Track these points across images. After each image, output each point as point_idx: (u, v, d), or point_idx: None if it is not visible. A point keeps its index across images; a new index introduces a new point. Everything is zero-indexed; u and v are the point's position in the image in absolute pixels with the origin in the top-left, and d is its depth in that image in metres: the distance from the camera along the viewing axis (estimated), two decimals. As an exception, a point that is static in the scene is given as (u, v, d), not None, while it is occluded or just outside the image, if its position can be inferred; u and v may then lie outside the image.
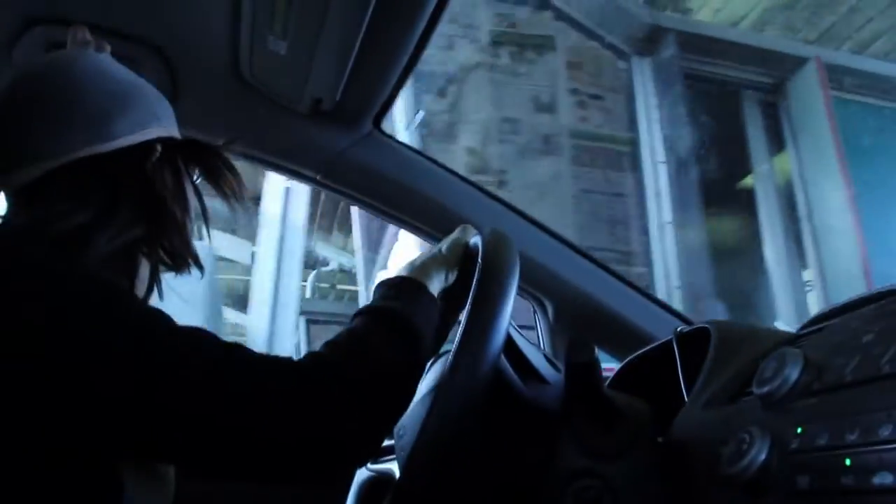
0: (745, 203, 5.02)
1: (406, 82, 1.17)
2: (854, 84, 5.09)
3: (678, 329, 0.87)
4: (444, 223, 1.32)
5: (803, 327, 0.69)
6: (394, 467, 0.87)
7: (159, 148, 0.81)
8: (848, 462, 0.42)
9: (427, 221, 1.34)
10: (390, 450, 0.88)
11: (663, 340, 0.90)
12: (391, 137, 1.31)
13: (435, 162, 1.34)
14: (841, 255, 4.57)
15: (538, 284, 1.36)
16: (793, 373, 0.52)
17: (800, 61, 5.01)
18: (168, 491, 0.73)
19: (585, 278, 1.36)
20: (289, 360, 0.66)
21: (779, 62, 5.02)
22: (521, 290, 1.38)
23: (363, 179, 1.30)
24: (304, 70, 1.08)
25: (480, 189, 1.36)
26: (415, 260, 0.81)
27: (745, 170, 5.13)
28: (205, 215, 0.86)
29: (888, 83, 5.13)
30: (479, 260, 0.70)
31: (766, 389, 0.53)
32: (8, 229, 0.73)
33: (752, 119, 5.14)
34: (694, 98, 4.84)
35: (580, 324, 1.36)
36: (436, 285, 0.79)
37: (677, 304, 3.76)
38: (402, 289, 0.77)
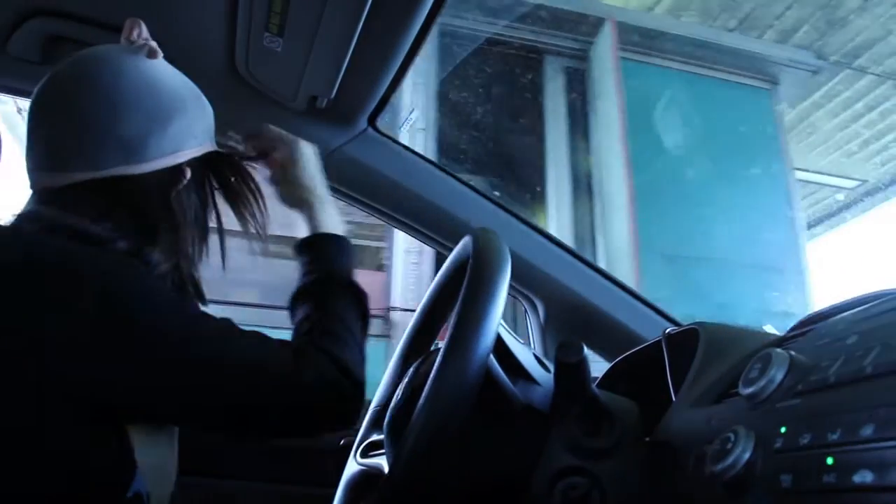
0: (534, 178, 4.56)
1: (402, 81, 1.17)
2: (662, 48, 4.72)
3: (667, 330, 0.88)
4: (437, 222, 1.33)
5: (791, 330, 0.69)
6: (383, 462, 0.87)
7: (188, 174, 0.81)
8: (830, 461, 0.43)
9: (420, 220, 1.34)
10: (380, 444, 0.88)
11: (652, 341, 0.91)
12: (386, 136, 1.31)
13: (430, 161, 1.35)
14: (617, 232, 4.27)
15: (529, 284, 1.37)
16: (778, 374, 0.53)
17: (599, 23, 4.62)
18: (173, 458, 0.78)
19: (576, 279, 1.37)
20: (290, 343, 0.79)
21: (578, 24, 4.62)
22: (513, 290, 1.38)
23: (357, 177, 1.31)
24: (300, 67, 1.09)
25: (474, 189, 1.37)
26: (322, 210, 0.93)
27: (539, 142, 4.63)
28: (222, 243, 0.89)
29: (697, 47, 4.78)
30: (470, 259, 0.71)
31: (751, 390, 0.54)
32: (47, 226, 0.72)
33: (553, 87, 4.70)
34: (485, 63, 4.45)
35: (570, 324, 1.37)
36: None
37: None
38: (344, 250, 0.90)
